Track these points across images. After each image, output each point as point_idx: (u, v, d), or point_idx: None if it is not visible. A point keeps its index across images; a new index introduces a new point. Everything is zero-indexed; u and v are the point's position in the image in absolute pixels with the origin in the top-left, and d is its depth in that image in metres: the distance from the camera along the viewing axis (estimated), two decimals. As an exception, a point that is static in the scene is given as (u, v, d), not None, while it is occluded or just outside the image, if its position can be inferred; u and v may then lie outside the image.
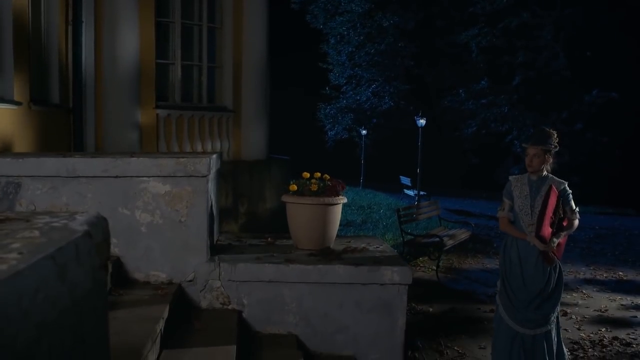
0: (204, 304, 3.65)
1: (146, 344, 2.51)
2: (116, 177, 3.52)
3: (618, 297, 7.01)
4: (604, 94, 21.18)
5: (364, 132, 25.58)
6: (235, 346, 3.00)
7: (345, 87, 28.27)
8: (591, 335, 5.54)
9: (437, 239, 8.22)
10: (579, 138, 21.53)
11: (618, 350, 5.15)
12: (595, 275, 8.29)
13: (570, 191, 3.95)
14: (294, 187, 4.09)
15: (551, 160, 3.93)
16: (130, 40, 6.67)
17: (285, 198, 4.14)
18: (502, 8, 22.13)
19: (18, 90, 5.10)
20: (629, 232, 12.98)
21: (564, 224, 3.88)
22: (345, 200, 4.19)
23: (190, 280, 3.64)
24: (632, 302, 6.77)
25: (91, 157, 3.68)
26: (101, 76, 6.65)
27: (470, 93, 24.00)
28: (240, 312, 3.65)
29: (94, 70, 6.61)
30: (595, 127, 21.47)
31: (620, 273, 8.46)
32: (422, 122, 17.36)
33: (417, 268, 8.28)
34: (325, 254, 3.92)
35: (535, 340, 3.84)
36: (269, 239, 4.49)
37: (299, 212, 4.06)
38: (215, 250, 3.99)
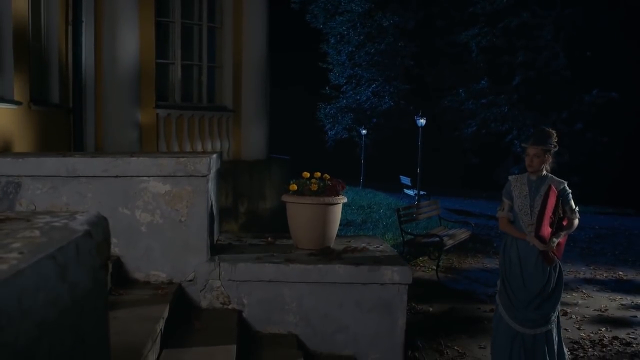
0: (204, 303, 3.65)
1: (146, 343, 2.51)
2: (116, 176, 3.52)
3: (618, 296, 7.01)
4: (604, 94, 21.17)
5: (364, 131, 25.58)
6: (236, 346, 3.00)
7: (345, 87, 28.27)
8: (591, 334, 5.54)
9: (437, 239, 8.22)
10: (579, 138, 21.53)
11: (618, 350, 5.15)
12: (595, 275, 8.29)
13: (570, 191, 3.95)
14: (294, 187, 4.09)
15: (550, 160, 3.93)
16: (130, 40, 6.68)
17: (285, 198, 4.14)
18: (502, 8, 22.13)
19: (18, 90, 5.10)
20: (629, 232, 12.98)
21: (564, 223, 3.88)
22: (345, 200, 4.19)
23: (190, 280, 3.64)
24: (632, 302, 6.78)
25: (91, 156, 3.68)
26: (101, 76, 6.65)
27: (470, 93, 24.00)
28: (240, 312, 3.65)
29: (94, 70, 6.61)
30: (595, 127, 21.47)
31: (620, 273, 8.46)
32: (422, 121, 17.37)
33: (417, 268, 8.28)
34: (325, 254, 3.92)
35: (535, 340, 3.84)
36: (269, 238, 4.49)
37: (299, 211, 4.06)
38: (216, 250, 3.99)
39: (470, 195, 21.44)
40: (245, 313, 3.67)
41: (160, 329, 2.85)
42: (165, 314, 3.00)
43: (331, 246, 4.16)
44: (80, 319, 0.95)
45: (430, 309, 6.33)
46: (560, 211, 3.84)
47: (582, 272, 8.41)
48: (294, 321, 3.69)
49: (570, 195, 3.93)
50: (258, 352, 3.39)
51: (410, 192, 19.15)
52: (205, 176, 3.61)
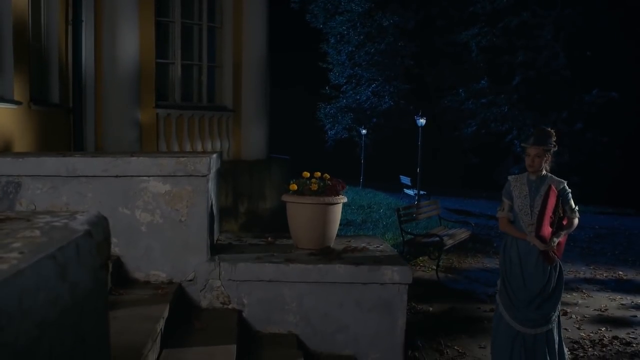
0: (204, 303, 3.65)
1: (146, 343, 2.51)
2: (116, 176, 3.52)
3: (618, 296, 7.01)
4: (604, 94, 21.16)
5: (363, 131, 25.57)
6: (236, 345, 3.00)
7: (345, 87, 28.26)
8: (591, 334, 5.54)
9: (437, 239, 8.22)
10: (579, 138, 21.52)
11: (618, 350, 5.15)
12: (595, 275, 8.29)
13: (570, 190, 3.95)
14: (294, 187, 4.09)
15: (550, 159, 3.93)
16: (130, 40, 6.67)
17: (285, 197, 4.14)
18: (502, 8, 22.13)
19: (18, 90, 5.10)
20: (629, 232, 12.98)
21: (564, 223, 3.88)
22: (345, 199, 4.19)
23: (190, 280, 3.64)
24: (632, 302, 6.78)
25: (91, 156, 3.68)
26: (101, 76, 6.65)
27: (470, 93, 24.00)
28: (240, 312, 3.65)
29: (94, 70, 6.61)
30: (595, 127, 21.47)
31: (620, 272, 8.47)
32: (422, 121, 17.36)
33: (417, 267, 8.28)
34: (325, 254, 3.92)
35: (536, 340, 3.84)
36: (269, 238, 4.49)
37: (299, 211, 4.06)
38: (216, 249, 3.99)
39: (470, 195, 21.43)
40: (245, 313, 3.67)
41: (161, 329, 2.86)
42: (165, 314, 3.00)
43: (331, 246, 4.16)
44: (80, 318, 0.95)
45: (430, 309, 6.33)
46: (560, 211, 3.84)
47: (582, 272, 8.41)
48: (294, 321, 3.69)
49: (570, 195, 3.93)
50: (258, 352, 3.39)
51: (410, 192, 19.15)
52: (205, 176, 3.61)
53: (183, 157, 3.63)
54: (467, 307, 6.46)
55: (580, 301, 6.76)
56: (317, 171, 4.19)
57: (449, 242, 8.27)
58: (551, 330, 3.87)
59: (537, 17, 22.00)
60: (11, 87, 4.99)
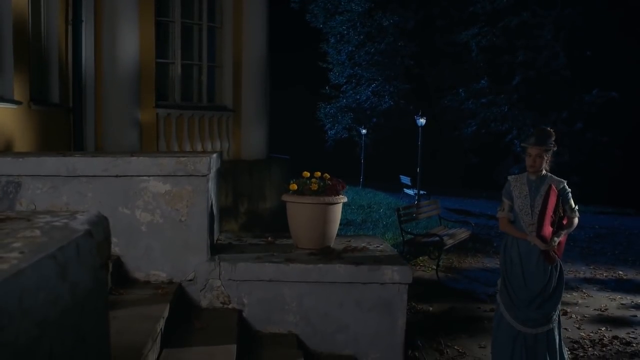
0: (204, 303, 3.65)
1: (147, 343, 2.51)
2: (116, 176, 3.52)
3: (618, 296, 7.01)
4: (604, 93, 21.16)
5: (363, 131, 25.57)
6: (236, 345, 3.00)
7: (345, 87, 28.27)
8: (591, 334, 5.54)
9: (437, 239, 8.22)
10: (579, 138, 21.52)
11: (618, 350, 5.15)
12: (595, 275, 8.29)
13: (570, 190, 3.95)
14: (294, 187, 4.09)
15: (550, 159, 3.94)
16: (130, 40, 6.67)
17: (285, 197, 4.14)
18: (502, 7, 22.13)
19: (18, 90, 5.10)
20: (629, 232, 12.98)
21: (564, 222, 3.89)
22: (345, 199, 4.19)
23: (190, 280, 3.64)
24: (632, 302, 6.78)
25: (91, 156, 3.68)
26: (101, 75, 6.65)
27: (470, 92, 24.00)
28: (240, 312, 3.65)
29: (94, 70, 6.61)
30: (595, 127, 21.47)
31: (620, 272, 8.47)
32: (422, 121, 17.36)
33: (417, 267, 8.28)
34: (325, 253, 3.92)
35: (537, 340, 3.85)
36: (269, 238, 4.49)
37: (299, 211, 4.06)
38: (216, 249, 3.99)
39: (470, 195, 21.43)
40: (245, 312, 3.67)
41: (161, 329, 2.86)
42: (166, 314, 3.00)
43: (331, 246, 4.16)
44: (80, 318, 0.95)
45: (430, 309, 6.33)
46: (561, 210, 3.85)
47: (582, 272, 8.41)
48: (294, 321, 3.69)
49: (570, 194, 3.94)
50: (258, 352, 3.39)
51: (410, 192, 19.15)
52: (206, 176, 3.61)
53: (183, 157, 3.63)
54: (467, 306, 6.46)
55: (580, 301, 6.77)
56: (317, 171, 4.19)
57: (449, 242, 8.27)
58: (552, 330, 3.87)
59: (537, 17, 22.00)
60: (11, 87, 4.99)
